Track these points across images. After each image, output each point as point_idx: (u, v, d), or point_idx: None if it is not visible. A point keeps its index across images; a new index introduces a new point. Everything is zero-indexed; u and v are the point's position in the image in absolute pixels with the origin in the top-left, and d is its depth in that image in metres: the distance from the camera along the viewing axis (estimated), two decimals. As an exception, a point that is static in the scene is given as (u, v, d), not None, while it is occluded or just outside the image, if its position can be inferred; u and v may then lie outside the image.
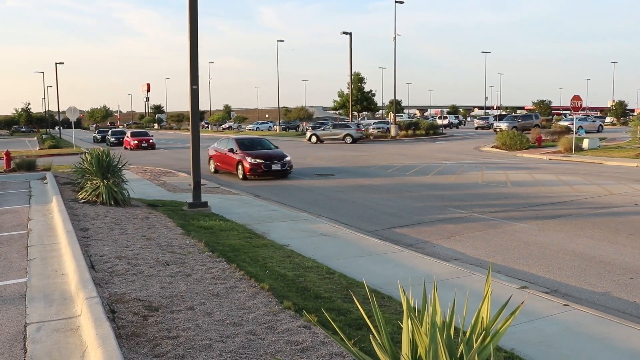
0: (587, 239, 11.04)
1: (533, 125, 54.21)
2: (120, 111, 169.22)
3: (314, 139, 49.42)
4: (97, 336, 4.97)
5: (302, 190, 18.99)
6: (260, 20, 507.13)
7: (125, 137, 47.48)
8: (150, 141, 45.35)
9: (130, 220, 11.57)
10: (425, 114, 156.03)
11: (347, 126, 50.72)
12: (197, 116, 14.21)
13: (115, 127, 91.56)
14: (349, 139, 47.59)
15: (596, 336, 6.01)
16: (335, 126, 51.88)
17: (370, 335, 3.61)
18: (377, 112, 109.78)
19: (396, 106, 66.61)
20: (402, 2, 55.35)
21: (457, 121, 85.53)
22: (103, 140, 59.56)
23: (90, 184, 14.20)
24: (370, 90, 66.88)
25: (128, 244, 9.32)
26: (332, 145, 45.42)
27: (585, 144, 32.91)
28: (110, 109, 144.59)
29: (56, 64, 67.67)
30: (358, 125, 53.96)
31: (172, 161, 31.54)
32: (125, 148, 45.12)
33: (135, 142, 44.74)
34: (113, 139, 52.44)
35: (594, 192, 17.19)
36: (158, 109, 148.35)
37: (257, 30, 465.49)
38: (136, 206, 13.82)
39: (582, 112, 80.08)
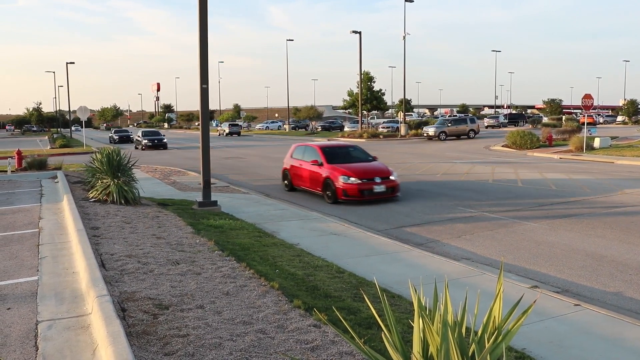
0: (598, 239, 10.96)
1: (467, 131, 48.77)
2: (131, 110, 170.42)
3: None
4: (107, 334, 4.98)
5: (312, 189, 18.96)
6: (270, 19, 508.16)
7: (289, 154, 19.40)
8: (394, 183, 16.10)
9: (140, 219, 11.61)
10: (435, 113, 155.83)
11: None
12: (207, 115, 14.26)
13: (117, 127, 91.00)
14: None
15: (608, 336, 5.96)
16: None
17: (382, 334, 3.60)
18: (386, 111, 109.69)
19: (406, 105, 66.51)
20: (412, 1, 55.26)
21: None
22: (122, 141, 53.48)
23: (101, 182, 14.27)
24: (380, 90, 66.64)
25: (138, 242, 9.35)
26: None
27: (597, 143, 32.70)
28: (121, 108, 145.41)
29: (67, 63, 67.91)
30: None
31: (182, 160, 31.64)
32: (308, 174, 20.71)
33: (358, 184, 15.48)
34: (146, 141, 43.80)
35: (604, 190, 17.05)
36: (168, 108, 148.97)
37: (266, 29, 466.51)
38: (146, 205, 13.87)
39: (593, 110, 79.18)
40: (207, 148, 14.13)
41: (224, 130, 72.29)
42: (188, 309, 6.07)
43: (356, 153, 17.86)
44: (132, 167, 15.00)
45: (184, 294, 6.63)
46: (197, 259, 8.37)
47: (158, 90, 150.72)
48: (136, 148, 43.86)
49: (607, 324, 6.32)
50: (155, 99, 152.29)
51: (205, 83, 13.83)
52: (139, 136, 45.92)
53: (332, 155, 16.90)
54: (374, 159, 17.47)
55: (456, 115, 74.20)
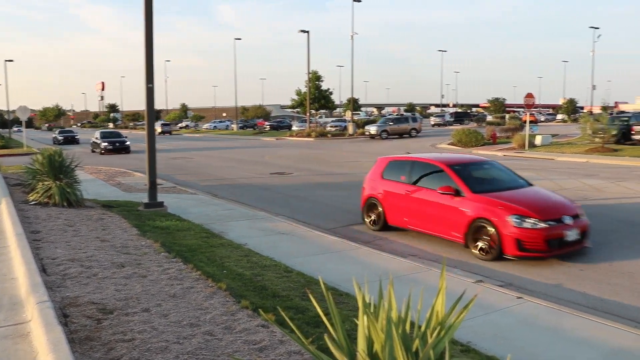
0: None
1: (409, 129, 49.24)
2: (74, 110, 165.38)
3: None
4: (48, 342, 4.82)
5: (260, 188, 18.90)
6: (219, 17, 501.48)
7: (374, 173, 12.66)
8: (585, 225, 9.83)
9: (83, 222, 11.30)
10: (383, 112, 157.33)
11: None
12: (153, 115, 14.00)
13: (64, 127, 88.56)
14: None
15: (549, 327, 6.17)
16: None
17: (325, 334, 3.61)
18: (334, 110, 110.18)
19: (354, 104, 67.01)
20: (360, 1, 55.75)
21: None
22: (67, 142, 51.44)
23: (42, 184, 13.80)
24: (328, 89, 66.85)
25: (81, 246, 9.10)
26: (290, 144, 45.40)
27: (538, 140, 33.74)
28: (63, 107, 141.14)
29: (5, 61, 65.65)
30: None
31: (128, 160, 30.97)
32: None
33: (543, 229, 9.18)
34: (106, 144, 37.79)
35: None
36: (113, 107, 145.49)
37: (215, 28, 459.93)
38: (90, 207, 13.51)
39: (535, 109, 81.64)
40: (153, 148, 13.87)
41: (157, 130, 75.96)
42: (133, 313, 5.95)
43: (495, 172, 11.49)
44: (75, 168, 14.59)
45: (129, 297, 6.49)
46: (142, 261, 8.21)
47: (103, 89, 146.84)
48: (93, 151, 39.38)
49: (548, 315, 6.54)
50: (99, 99, 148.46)
51: (150, 82, 13.58)
52: (96, 138, 40.03)
53: (472, 178, 10.67)
54: (528, 182, 11.16)
55: (402, 115, 75.06)
